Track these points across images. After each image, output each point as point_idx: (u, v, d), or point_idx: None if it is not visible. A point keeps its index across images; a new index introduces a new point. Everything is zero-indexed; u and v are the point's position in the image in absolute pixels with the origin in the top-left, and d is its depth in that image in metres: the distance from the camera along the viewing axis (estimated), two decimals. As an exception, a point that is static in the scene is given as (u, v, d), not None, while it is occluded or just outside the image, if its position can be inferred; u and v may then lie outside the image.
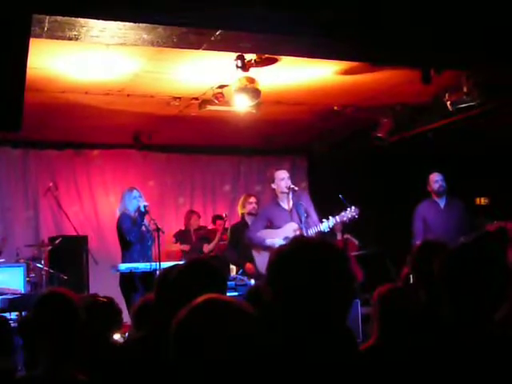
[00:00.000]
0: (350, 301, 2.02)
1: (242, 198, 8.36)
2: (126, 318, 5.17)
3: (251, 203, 8.07)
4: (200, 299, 1.76)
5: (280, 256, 2.01)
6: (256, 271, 7.06)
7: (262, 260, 6.84)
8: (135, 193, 7.52)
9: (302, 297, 1.92)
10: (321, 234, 6.76)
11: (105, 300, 3.99)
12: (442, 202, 7.79)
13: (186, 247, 9.54)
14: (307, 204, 7.00)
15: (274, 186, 7.14)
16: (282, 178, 7.05)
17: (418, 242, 7.25)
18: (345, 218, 6.87)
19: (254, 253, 7.09)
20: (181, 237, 9.74)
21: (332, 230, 7.21)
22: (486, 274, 2.31)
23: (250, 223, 7.76)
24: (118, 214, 7.63)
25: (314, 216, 6.96)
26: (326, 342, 1.91)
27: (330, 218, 6.84)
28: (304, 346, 1.89)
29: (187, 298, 1.82)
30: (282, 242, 6.17)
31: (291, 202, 7.02)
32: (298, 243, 2.06)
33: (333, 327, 1.94)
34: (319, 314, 1.92)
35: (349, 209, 6.87)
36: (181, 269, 2.85)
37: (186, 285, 2.66)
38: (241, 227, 7.96)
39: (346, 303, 2.00)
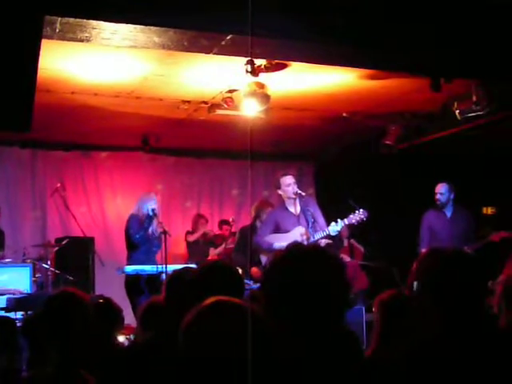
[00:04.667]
0: (343, 306, 2.02)
1: (258, 204, 8.10)
2: (131, 319, 5.19)
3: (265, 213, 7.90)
4: (208, 301, 1.77)
5: (273, 263, 2.02)
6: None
7: None
8: (151, 196, 7.71)
9: (293, 301, 1.93)
10: (329, 237, 6.74)
11: (102, 301, 4.00)
12: (448, 211, 7.78)
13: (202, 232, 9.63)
14: (314, 209, 6.95)
15: (280, 191, 7.07)
16: (289, 184, 6.97)
17: (423, 250, 7.26)
18: (353, 221, 6.74)
19: (263, 258, 7.07)
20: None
21: (339, 236, 7.16)
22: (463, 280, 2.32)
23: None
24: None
25: (320, 221, 6.88)
26: (324, 345, 1.92)
27: (339, 220, 6.72)
28: (303, 350, 1.90)
29: (204, 299, 1.82)
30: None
31: (298, 207, 6.94)
32: (291, 251, 2.07)
33: (328, 331, 1.95)
34: (312, 318, 1.93)
35: (357, 211, 6.73)
36: (200, 270, 2.84)
37: (206, 286, 2.65)
38: (250, 230, 7.89)
39: (339, 309, 2.00)
